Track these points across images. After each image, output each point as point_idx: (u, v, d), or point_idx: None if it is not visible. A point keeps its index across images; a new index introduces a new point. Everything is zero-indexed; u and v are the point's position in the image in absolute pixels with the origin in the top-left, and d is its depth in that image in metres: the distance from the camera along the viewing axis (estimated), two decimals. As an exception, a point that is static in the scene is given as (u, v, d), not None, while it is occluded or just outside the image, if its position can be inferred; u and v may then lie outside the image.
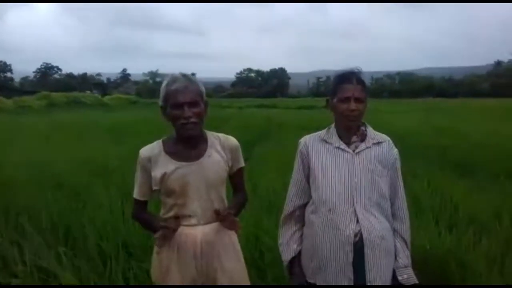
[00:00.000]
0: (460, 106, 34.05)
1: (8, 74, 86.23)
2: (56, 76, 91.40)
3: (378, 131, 2.14)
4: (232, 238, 2.07)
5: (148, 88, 75.79)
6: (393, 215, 2.09)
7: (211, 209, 1.97)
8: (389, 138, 2.13)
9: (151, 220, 2.06)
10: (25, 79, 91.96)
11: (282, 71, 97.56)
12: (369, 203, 2.00)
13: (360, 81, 2.01)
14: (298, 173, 2.15)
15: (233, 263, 2.05)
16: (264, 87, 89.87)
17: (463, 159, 8.16)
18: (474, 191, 5.56)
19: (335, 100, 2.03)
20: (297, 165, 2.16)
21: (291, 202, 2.17)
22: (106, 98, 48.79)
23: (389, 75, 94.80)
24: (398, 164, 2.11)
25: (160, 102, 1.96)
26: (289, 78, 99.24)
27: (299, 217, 2.17)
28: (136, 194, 2.04)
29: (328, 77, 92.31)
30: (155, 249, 2.05)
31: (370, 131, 2.10)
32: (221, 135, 2.08)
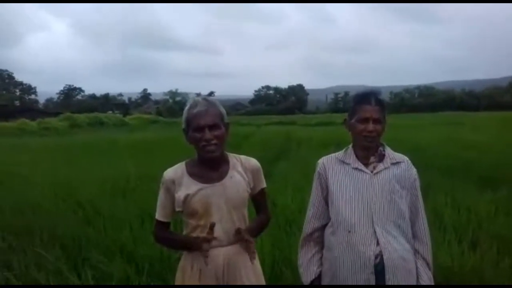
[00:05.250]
0: (482, 119, 33.46)
1: (33, 97, 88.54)
2: (79, 97, 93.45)
3: (399, 146, 2.14)
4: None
5: (168, 107, 76.84)
6: (414, 236, 2.07)
7: (233, 230, 1.98)
8: (407, 158, 2.11)
9: (178, 239, 2.10)
10: (49, 100, 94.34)
11: (300, 87, 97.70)
12: (388, 224, 1.99)
13: (379, 102, 2.01)
14: (316, 194, 2.15)
15: (254, 284, 2.04)
16: (282, 104, 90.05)
17: (486, 173, 8.00)
18: (498, 206, 5.44)
19: (353, 120, 2.03)
20: (315, 186, 2.16)
21: (309, 223, 2.17)
22: (128, 118, 49.55)
23: (408, 90, 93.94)
24: (418, 184, 2.10)
25: (182, 125, 2.01)
26: (307, 94, 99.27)
27: (319, 238, 2.16)
28: (158, 216, 2.06)
29: (346, 93, 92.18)
30: (178, 270, 2.07)
31: (388, 151, 2.09)
32: (242, 156, 2.11)
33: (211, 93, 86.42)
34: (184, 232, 2.06)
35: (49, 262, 3.88)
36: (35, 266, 3.84)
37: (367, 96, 2.03)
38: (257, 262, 2.10)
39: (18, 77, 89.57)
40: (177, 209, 2.00)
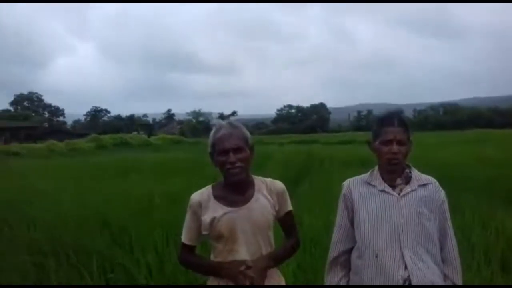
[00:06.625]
0: (508, 136, 32.63)
1: (61, 118, 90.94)
2: (105, 118, 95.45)
3: (424, 164, 2.11)
4: (280, 283, 2.08)
5: (192, 127, 77.70)
6: (444, 260, 2.02)
7: (259, 253, 1.99)
8: (435, 180, 2.08)
9: (204, 263, 2.09)
10: (76, 122, 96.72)
11: (322, 106, 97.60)
12: (417, 248, 1.95)
13: (402, 123, 2.00)
14: (342, 217, 2.13)
15: None
16: (304, 122, 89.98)
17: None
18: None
19: (377, 142, 2.03)
20: (340, 208, 2.14)
21: (335, 247, 2.14)
22: (152, 139, 50.25)
23: (433, 107, 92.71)
24: (446, 206, 2.05)
25: (208, 149, 2.05)
26: (330, 113, 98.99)
27: (345, 262, 2.13)
28: (184, 239, 2.08)
29: (369, 111, 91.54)
30: None
31: (415, 173, 2.07)
32: (267, 179, 2.12)
33: (233, 113, 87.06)
34: (212, 255, 2.08)
35: (78, 280, 3.96)
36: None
37: (390, 118, 2.02)
38: (282, 282, 2.11)
39: (47, 99, 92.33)
40: (204, 232, 2.02)
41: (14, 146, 33.52)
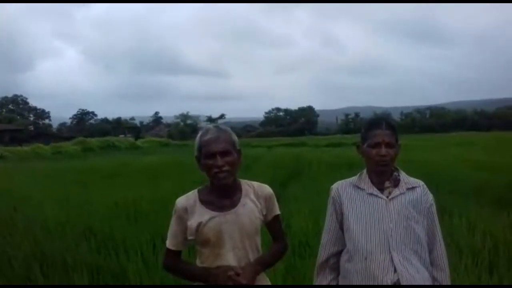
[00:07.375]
0: (494, 139, 33.10)
1: (47, 121, 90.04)
2: (91, 121, 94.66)
3: (411, 167, 2.11)
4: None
5: (180, 130, 77.43)
6: (432, 262, 2.02)
7: (246, 258, 1.96)
8: (423, 183, 2.08)
9: (191, 269, 2.04)
10: (62, 125, 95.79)
11: (310, 109, 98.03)
12: (406, 251, 1.95)
13: (390, 126, 2.01)
14: (330, 220, 2.12)
15: None
16: (292, 125, 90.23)
17: (500, 194, 7.88)
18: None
19: (365, 146, 2.03)
20: (329, 212, 2.13)
21: (324, 250, 2.13)
22: (139, 142, 49.90)
23: (419, 110, 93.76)
24: (434, 209, 2.06)
25: (195, 152, 2.01)
26: (317, 115, 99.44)
27: (334, 265, 2.12)
28: (169, 244, 2.03)
29: (356, 114, 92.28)
30: None
31: (403, 176, 2.07)
32: (255, 183, 2.08)
33: (221, 116, 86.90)
34: (198, 261, 2.03)
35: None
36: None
37: (378, 121, 2.04)
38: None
39: (33, 102, 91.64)
40: (189, 237, 1.97)
41: (-1, 149, 33.06)
